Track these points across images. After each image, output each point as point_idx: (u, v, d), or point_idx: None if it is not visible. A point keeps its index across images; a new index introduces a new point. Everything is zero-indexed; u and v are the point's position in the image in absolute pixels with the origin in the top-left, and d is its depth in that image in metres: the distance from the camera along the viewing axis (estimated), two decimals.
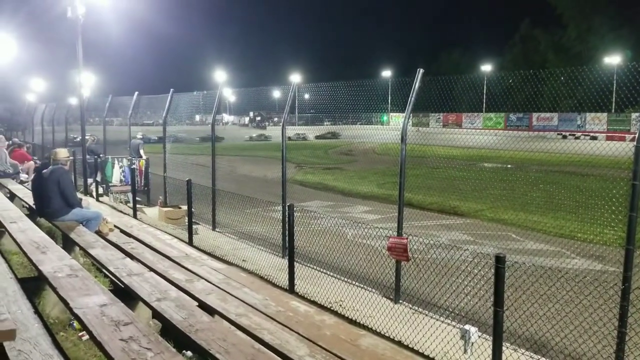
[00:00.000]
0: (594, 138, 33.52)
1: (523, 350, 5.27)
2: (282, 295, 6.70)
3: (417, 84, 6.80)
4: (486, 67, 61.31)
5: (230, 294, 5.33)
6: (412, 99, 6.84)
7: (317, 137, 35.06)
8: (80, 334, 4.68)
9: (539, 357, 5.18)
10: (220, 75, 70.66)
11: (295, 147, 31.63)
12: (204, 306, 4.77)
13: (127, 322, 3.42)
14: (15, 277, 5.20)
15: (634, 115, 40.13)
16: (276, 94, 16.24)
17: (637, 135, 4.43)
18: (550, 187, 16.29)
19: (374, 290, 7.10)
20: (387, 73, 68.06)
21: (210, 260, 8.19)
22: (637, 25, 56.46)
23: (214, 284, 5.68)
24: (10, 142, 16.15)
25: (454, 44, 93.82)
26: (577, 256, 9.82)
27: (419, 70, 6.83)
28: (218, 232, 11.04)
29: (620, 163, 5.47)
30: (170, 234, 10.07)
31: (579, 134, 36.70)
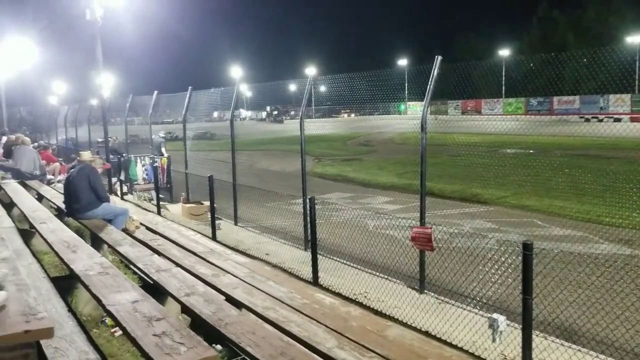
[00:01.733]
0: (617, 120, 32.85)
1: (553, 338, 5.23)
2: (306, 287, 6.74)
3: (435, 72, 6.73)
4: (504, 52, 60.40)
5: (256, 288, 5.39)
6: (431, 86, 6.77)
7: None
8: (112, 330, 4.77)
9: (570, 344, 5.13)
10: (236, 72, 70.89)
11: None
12: (231, 300, 4.83)
13: (159, 317, 3.48)
14: (48, 277, 5.31)
15: None
16: (292, 87, 16.27)
17: None
18: (574, 172, 16.05)
19: (398, 281, 7.09)
20: (403, 62, 67.38)
21: (234, 254, 8.27)
22: None
23: (239, 278, 5.74)
24: (36, 144, 16.43)
25: (470, 29, 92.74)
26: (605, 241, 9.68)
27: (437, 58, 6.75)
28: (240, 226, 11.13)
29: None
30: (194, 230, 10.18)
31: (602, 116, 35.97)
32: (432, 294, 6.64)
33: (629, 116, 33.86)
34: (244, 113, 59.83)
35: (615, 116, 34.85)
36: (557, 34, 68.89)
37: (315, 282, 7.24)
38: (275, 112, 59.60)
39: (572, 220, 11.19)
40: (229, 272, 5.95)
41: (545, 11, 71.97)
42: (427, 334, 5.39)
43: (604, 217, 11.19)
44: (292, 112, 49.37)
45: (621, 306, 5.37)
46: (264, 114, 64.56)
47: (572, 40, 65.52)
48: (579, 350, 4.93)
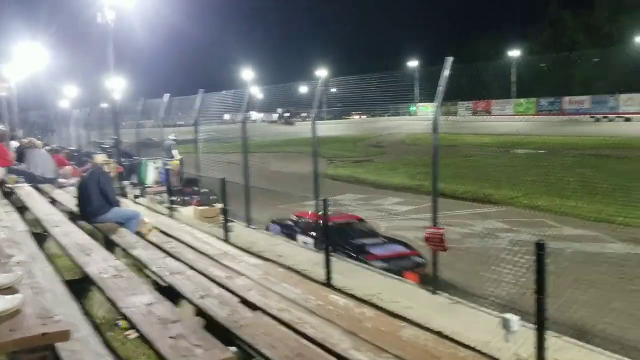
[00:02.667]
0: (628, 120, 32.50)
1: (567, 338, 5.20)
2: (320, 289, 6.72)
3: (446, 73, 6.72)
4: (514, 53, 60.04)
5: (270, 290, 5.40)
6: (442, 88, 6.76)
7: None
8: (126, 332, 4.80)
9: (584, 343, 5.10)
10: (247, 74, 71.03)
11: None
12: (245, 302, 4.84)
13: (174, 319, 3.51)
14: (62, 280, 5.36)
15: None
16: (303, 89, 16.29)
17: None
18: (586, 171, 15.94)
19: (410, 282, 7.08)
20: (413, 63, 67.26)
21: (247, 256, 8.27)
22: None
23: (253, 280, 5.76)
24: (48, 147, 16.55)
25: (482, 30, 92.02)
26: (617, 240, 9.61)
27: (447, 59, 6.74)
28: (253, 228, 11.15)
29: None
30: (206, 232, 10.20)
31: (613, 115, 35.61)
32: (445, 294, 6.63)
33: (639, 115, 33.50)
34: (255, 115, 59.91)
35: (626, 116, 34.49)
36: (567, 34, 68.33)
37: (328, 283, 7.23)
38: (287, 114, 59.62)
39: (584, 220, 11.13)
40: (242, 274, 5.97)
41: (555, 11, 71.47)
42: (440, 334, 5.37)
43: (616, 216, 11.11)
44: (304, 114, 49.41)
45: (635, 305, 5.33)
46: (275, 116, 64.61)
47: (583, 40, 64.95)
48: (592, 350, 4.91)
